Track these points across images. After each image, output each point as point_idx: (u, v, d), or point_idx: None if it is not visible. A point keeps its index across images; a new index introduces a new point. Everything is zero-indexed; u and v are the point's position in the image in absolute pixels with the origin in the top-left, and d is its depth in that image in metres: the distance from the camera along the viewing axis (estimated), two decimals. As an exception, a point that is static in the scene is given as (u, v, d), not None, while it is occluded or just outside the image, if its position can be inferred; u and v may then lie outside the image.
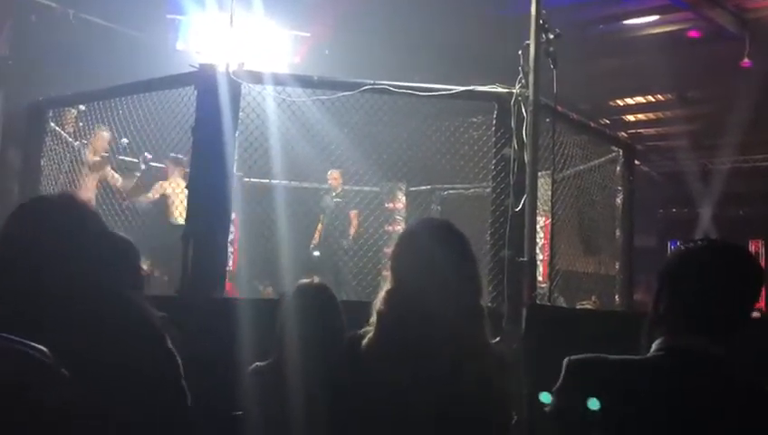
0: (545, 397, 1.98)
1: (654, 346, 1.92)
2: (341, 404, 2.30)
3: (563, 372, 1.93)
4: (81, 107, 7.25)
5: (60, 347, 1.47)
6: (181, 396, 2.12)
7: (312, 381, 2.77)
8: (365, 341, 2.27)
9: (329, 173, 9.12)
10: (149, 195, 8.09)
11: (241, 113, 5.65)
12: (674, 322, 1.90)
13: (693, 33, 10.56)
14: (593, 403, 1.81)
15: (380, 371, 2.21)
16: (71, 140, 7.37)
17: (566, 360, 1.93)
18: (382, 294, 2.34)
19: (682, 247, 2.09)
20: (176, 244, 5.65)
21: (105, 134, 7.62)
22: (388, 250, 2.28)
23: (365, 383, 2.22)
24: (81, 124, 7.41)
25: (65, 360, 1.47)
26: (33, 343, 1.43)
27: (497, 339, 2.44)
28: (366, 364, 2.24)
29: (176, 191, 7.93)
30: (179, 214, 7.89)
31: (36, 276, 1.82)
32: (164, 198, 8.15)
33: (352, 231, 8.88)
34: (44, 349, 1.43)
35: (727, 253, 1.97)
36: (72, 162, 7.28)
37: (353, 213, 8.99)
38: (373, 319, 2.30)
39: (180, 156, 7.39)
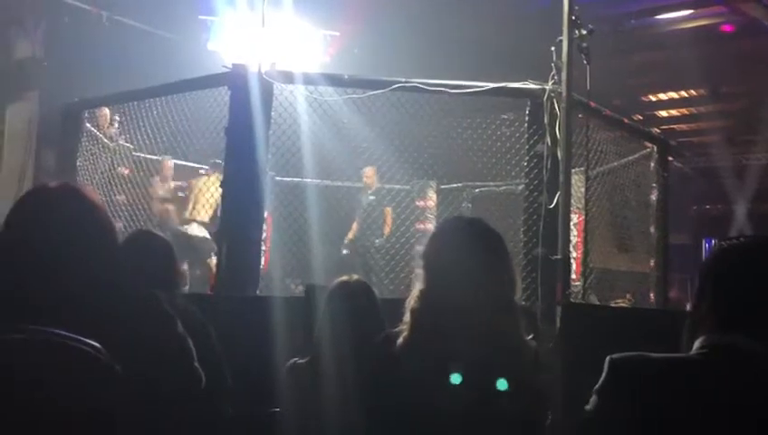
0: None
1: (696, 344, 1.88)
2: (377, 402, 2.30)
3: (606, 370, 1.89)
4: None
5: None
6: (195, 379, 2.14)
7: (348, 380, 2.77)
8: (399, 340, 2.27)
9: (363, 171, 9.03)
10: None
11: (273, 113, 5.67)
12: (716, 320, 1.86)
13: (726, 28, 10.41)
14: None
15: (415, 370, 2.20)
16: (106, 141, 7.45)
17: (608, 358, 1.89)
18: (415, 292, 2.33)
19: (722, 244, 2.03)
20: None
21: (170, 163, 7.83)
22: (420, 248, 2.28)
23: (400, 382, 2.22)
24: (117, 118, 7.51)
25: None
26: (85, 339, 1.44)
27: (531, 336, 2.41)
28: (401, 363, 2.24)
29: (210, 190, 8.06)
30: (197, 212, 8.05)
31: (39, 269, 1.81)
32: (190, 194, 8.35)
33: (387, 229, 8.82)
34: (98, 345, 1.44)
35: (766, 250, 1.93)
36: (109, 162, 7.38)
37: (388, 210, 8.94)
38: (407, 318, 2.30)
39: (219, 161, 7.54)
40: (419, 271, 2.37)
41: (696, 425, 1.77)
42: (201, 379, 2.18)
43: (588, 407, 1.90)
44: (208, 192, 8.17)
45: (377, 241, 8.63)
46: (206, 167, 8.31)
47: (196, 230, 8.31)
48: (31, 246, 1.85)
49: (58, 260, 1.82)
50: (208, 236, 8.15)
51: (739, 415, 1.76)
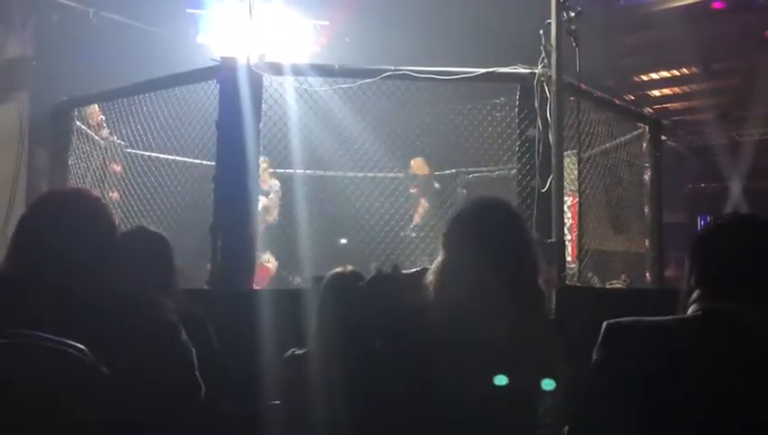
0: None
1: (689, 312, 2.01)
2: (372, 394, 2.29)
3: (601, 336, 1.99)
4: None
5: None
6: (194, 388, 2.15)
7: (341, 371, 2.78)
8: (421, 323, 2.24)
9: (411, 162, 8.98)
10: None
11: (264, 105, 5.66)
12: (706, 290, 1.99)
13: (717, 5, 10.37)
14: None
15: (437, 361, 2.18)
16: (97, 138, 7.43)
17: (604, 324, 2.00)
18: (432, 275, 2.30)
19: (711, 222, 2.18)
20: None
21: (277, 181, 8.10)
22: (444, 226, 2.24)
23: (412, 374, 2.21)
24: (102, 118, 7.48)
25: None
26: (73, 342, 1.45)
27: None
28: (419, 353, 2.22)
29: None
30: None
31: (48, 274, 1.84)
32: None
33: (417, 219, 8.74)
34: (83, 347, 1.44)
35: (755, 225, 2.05)
36: (101, 160, 7.36)
37: (422, 201, 8.87)
38: (427, 299, 2.27)
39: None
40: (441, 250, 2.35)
41: (687, 379, 1.86)
42: (201, 388, 2.20)
43: (588, 370, 1.99)
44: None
45: (407, 230, 8.46)
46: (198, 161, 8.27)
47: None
48: (43, 250, 1.88)
49: (68, 265, 1.85)
50: None
51: (726, 370, 1.86)
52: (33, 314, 1.70)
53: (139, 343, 1.85)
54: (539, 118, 5.55)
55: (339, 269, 3.36)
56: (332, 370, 2.83)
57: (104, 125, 7.43)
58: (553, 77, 5.42)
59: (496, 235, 2.26)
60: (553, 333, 2.35)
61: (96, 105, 7.40)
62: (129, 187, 7.15)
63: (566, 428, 2.12)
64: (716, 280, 1.99)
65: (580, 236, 6.41)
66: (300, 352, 3.18)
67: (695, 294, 2.01)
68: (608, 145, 6.95)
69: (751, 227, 2.05)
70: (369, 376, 2.32)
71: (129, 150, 7.38)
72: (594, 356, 1.98)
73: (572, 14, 5.50)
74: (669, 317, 2.00)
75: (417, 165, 9.02)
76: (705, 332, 1.93)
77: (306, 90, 5.97)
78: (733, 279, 1.97)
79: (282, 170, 8.12)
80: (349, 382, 2.35)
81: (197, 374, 2.18)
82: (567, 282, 5.53)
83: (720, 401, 1.84)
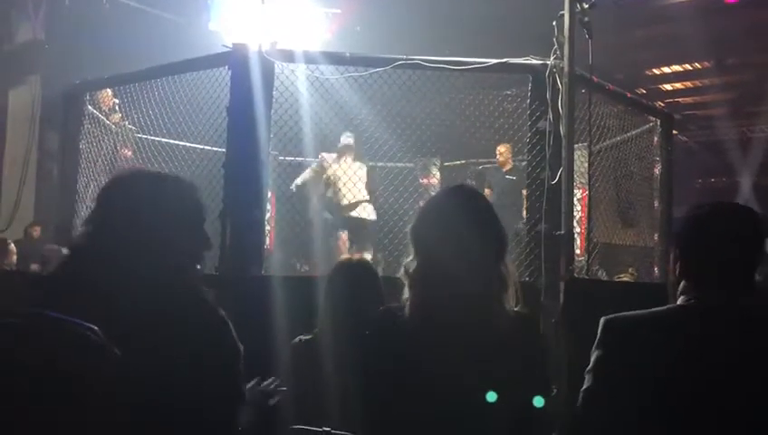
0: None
1: (679, 302, 2.07)
2: (374, 378, 2.30)
3: (599, 333, 2.05)
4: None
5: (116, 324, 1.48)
6: (232, 394, 1.97)
7: (347, 356, 2.79)
8: (397, 316, 2.26)
9: (497, 148, 8.49)
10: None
11: (275, 92, 5.66)
12: (692, 280, 2.05)
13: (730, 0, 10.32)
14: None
15: (412, 345, 2.20)
16: (108, 122, 7.45)
17: (601, 320, 2.06)
18: (410, 267, 2.31)
19: (692, 211, 2.22)
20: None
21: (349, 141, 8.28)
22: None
23: (397, 358, 2.23)
24: (116, 101, 7.50)
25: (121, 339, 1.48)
26: (85, 323, 1.45)
27: (521, 307, 2.39)
28: (397, 341, 2.24)
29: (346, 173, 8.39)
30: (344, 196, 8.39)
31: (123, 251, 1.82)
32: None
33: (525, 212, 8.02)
34: (95, 328, 1.45)
35: (736, 212, 2.10)
36: (112, 144, 7.38)
37: (524, 191, 8.12)
38: (406, 293, 2.29)
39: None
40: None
41: (686, 370, 1.91)
42: (242, 397, 2.05)
43: (589, 367, 2.04)
44: (355, 175, 8.41)
45: (519, 225, 7.02)
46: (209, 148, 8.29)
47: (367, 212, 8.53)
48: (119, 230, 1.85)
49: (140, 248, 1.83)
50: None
51: (720, 357, 1.92)
52: (99, 289, 1.71)
53: (185, 337, 1.79)
54: (550, 110, 5.52)
55: (346, 256, 3.40)
56: (341, 352, 2.85)
57: (117, 109, 7.44)
58: (566, 69, 5.39)
59: (457, 223, 2.26)
60: (522, 316, 2.32)
61: (109, 90, 7.40)
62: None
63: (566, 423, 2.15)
64: (701, 269, 2.04)
65: (589, 230, 6.40)
66: (306, 337, 3.20)
67: (682, 285, 2.07)
68: (618, 138, 6.93)
69: (731, 215, 2.09)
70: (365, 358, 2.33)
71: (139, 135, 7.39)
72: (593, 354, 2.03)
73: (586, 6, 5.48)
74: (663, 308, 2.05)
75: (502, 151, 8.53)
76: (697, 322, 1.98)
77: (318, 78, 5.96)
78: (717, 267, 2.02)
79: (291, 158, 8.13)
80: (355, 363, 2.35)
81: (240, 382, 2.02)
82: (576, 274, 5.53)
83: (721, 388, 1.88)
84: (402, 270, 2.31)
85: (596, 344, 2.03)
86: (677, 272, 2.09)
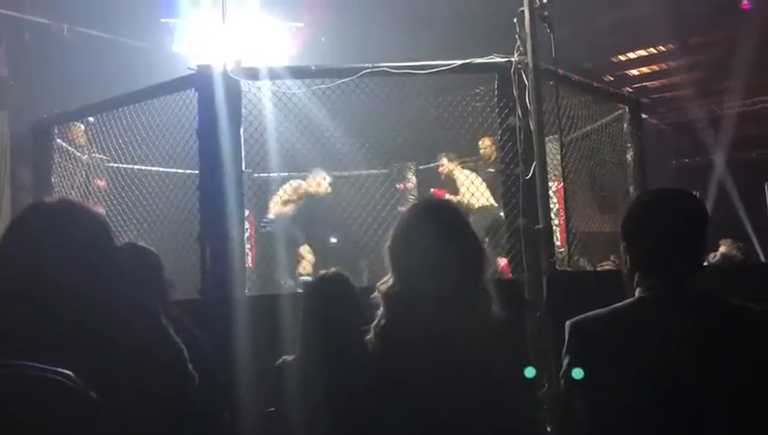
0: (530, 371, 2.09)
1: (637, 294, 2.10)
2: (355, 395, 2.30)
3: (566, 339, 2.09)
4: (90, 118, 7.27)
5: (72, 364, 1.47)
6: (188, 379, 2.10)
7: (328, 375, 2.78)
8: (374, 334, 2.27)
9: (480, 142, 8.33)
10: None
11: (243, 110, 5.64)
12: (643, 271, 2.08)
13: (692, -22, 10.39)
14: (577, 373, 1.98)
15: (393, 365, 2.20)
16: (79, 154, 7.40)
17: (567, 325, 2.10)
18: (386, 284, 2.32)
19: (635, 201, 2.30)
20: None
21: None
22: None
23: (378, 375, 2.23)
24: (89, 136, 7.44)
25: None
26: (59, 369, 1.44)
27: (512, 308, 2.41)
28: (379, 359, 2.24)
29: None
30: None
31: (36, 289, 1.79)
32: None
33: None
34: (70, 374, 1.43)
35: (671, 200, 2.13)
36: (84, 176, 7.33)
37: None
38: (381, 310, 2.29)
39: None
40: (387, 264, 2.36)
41: (653, 360, 1.95)
42: (195, 378, 2.15)
43: (561, 371, 2.08)
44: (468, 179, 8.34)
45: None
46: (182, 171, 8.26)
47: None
48: (30, 266, 1.82)
49: (57, 280, 1.80)
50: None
51: (671, 344, 1.96)
52: (21, 331, 1.68)
53: (134, 353, 1.81)
54: (518, 106, 5.55)
55: (322, 272, 3.39)
56: (314, 373, 2.84)
57: (89, 144, 7.40)
58: (530, 64, 5.44)
59: (434, 241, 2.27)
60: (500, 323, 2.33)
61: (81, 126, 7.35)
62: (115, 201, 7.12)
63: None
64: (649, 259, 2.07)
65: (567, 221, 6.43)
66: (290, 358, 3.19)
67: (636, 277, 2.09)
68: (589, 128, 6.97)
69: (671, 202, 2.12)
70: (347, 376, 2.33)
71: (111, 165, 7.34)
72: (563, 360, 2.06)
73: (545, 1, 5.52)
74: (622, 304, 2.08)
75: (486, 144, 8.42)
76: (653, 313, 2.01)
77: (285, 93, 5.96)
78: (664, 255, 2.04)
79: (266, 175, 8.10)
80: (329, 384, 2.35)
81: (190, 367, 2.12)
82: (557, 266, 5.55)
83: (690, 372, 1.91)
84: (376, 292, 2.32)
85: (564, 350, 2.06)
86: (628, 264, 2.12)
